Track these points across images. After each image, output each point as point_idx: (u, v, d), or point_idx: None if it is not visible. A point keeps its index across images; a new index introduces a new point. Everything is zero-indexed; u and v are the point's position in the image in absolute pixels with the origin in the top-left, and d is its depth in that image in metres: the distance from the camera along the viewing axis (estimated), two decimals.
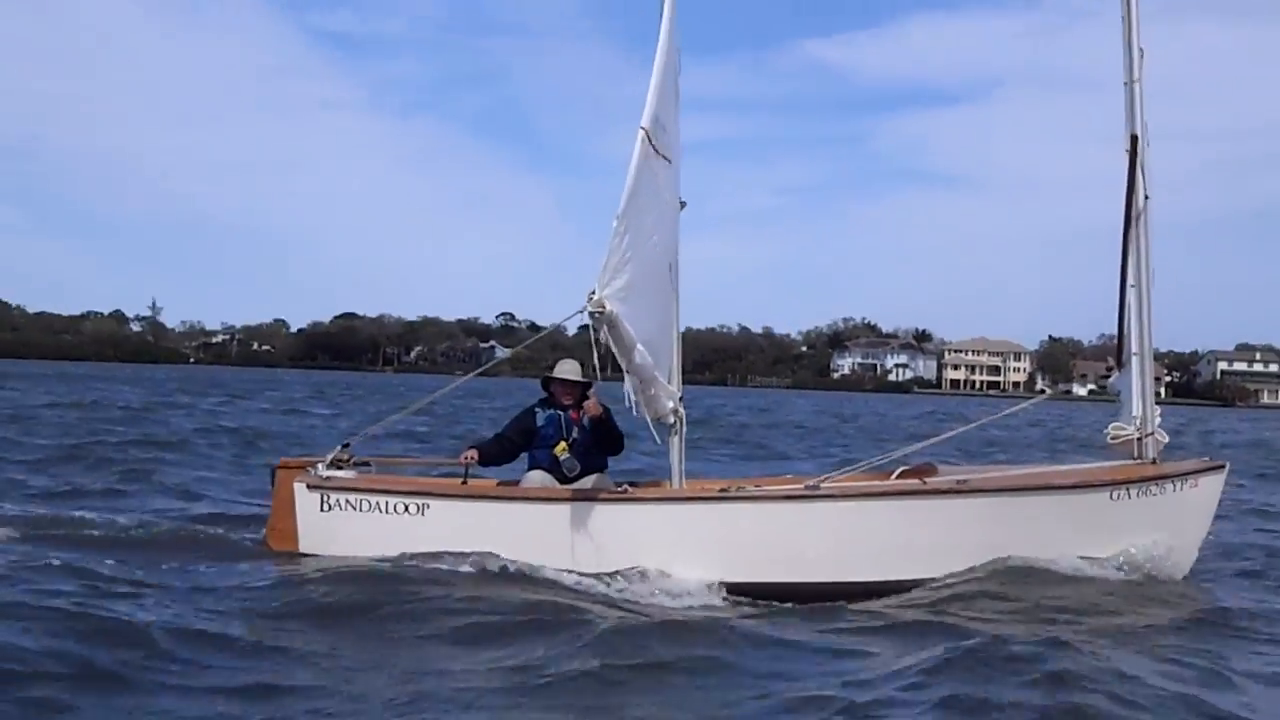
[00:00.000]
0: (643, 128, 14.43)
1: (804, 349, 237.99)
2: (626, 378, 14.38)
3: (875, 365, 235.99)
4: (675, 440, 15.43)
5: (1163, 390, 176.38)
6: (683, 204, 15.73)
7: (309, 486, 14.57)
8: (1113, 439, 15.95)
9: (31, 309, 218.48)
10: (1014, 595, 13.90)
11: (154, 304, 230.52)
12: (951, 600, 13.81)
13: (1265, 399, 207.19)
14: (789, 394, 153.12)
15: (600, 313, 13.33)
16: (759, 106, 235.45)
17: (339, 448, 15.14)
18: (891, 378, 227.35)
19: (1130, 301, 15.78)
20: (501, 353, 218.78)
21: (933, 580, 14.33)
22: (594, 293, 13.45)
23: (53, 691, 8.97)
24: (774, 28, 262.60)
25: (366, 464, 15.36)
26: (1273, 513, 24.18)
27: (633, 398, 14.60)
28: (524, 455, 15.36)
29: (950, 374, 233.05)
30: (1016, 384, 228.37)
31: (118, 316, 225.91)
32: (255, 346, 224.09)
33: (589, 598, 13.35)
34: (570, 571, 14.00)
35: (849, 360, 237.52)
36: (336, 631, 11.59)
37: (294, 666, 10.31)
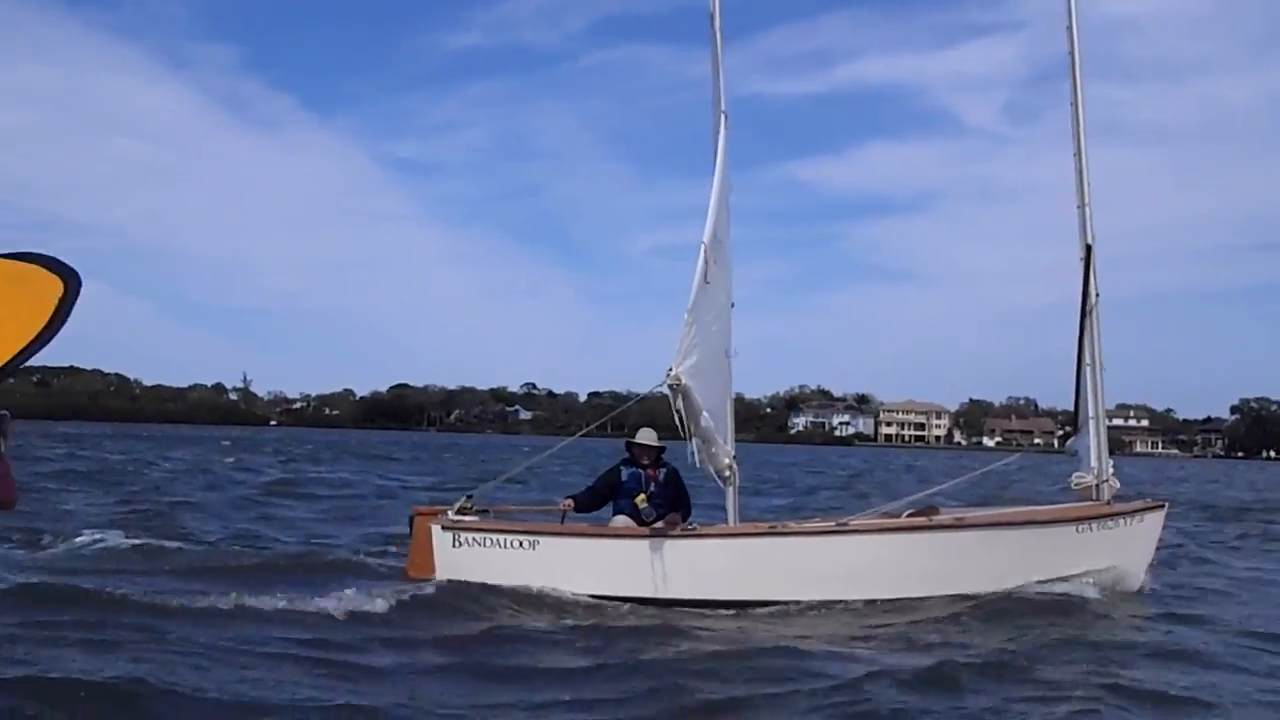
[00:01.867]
0: (703, 243, 14.88)
1: (768, 410, 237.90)
2: (693, 439, 14.75)
3: (824, 423, 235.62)
4: (730, 489, 15.78)
5: (1056, 442, 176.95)
6: (732, 304, 16.10)
7: (443, 528, 14.71)
8: (1076, 485, 16.25)
9: (148, 381, 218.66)
10: (1002, 607, 14.21)
11: (245, 377, 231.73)
12: (953, 610, 14.11)
13: (1137, 449, 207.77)
14: (754, 447, 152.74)
15: (676, 385, 13.81)
16: (747, 215, 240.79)
17: (464, 498, 15.28)
18: (837, 433, 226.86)
19: (1086, 377, 16.17)
20: (525, 415, 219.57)
21: (938, 597, 14.54)
22: (671, 369, 13.91)
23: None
24: (758, 154, 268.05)
25: (485, 511, 15.55)
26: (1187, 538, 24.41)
27: (697, 455, 15.01)
28: (609, 505, 15.57)
29: (884, 430, 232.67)
30: (938, 437, 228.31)
31: (218, 388, 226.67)
32: (326, 411, 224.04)
33: (660, 616, 13.67)
34: (648, 595, 14.23)
35: (803, 419, 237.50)
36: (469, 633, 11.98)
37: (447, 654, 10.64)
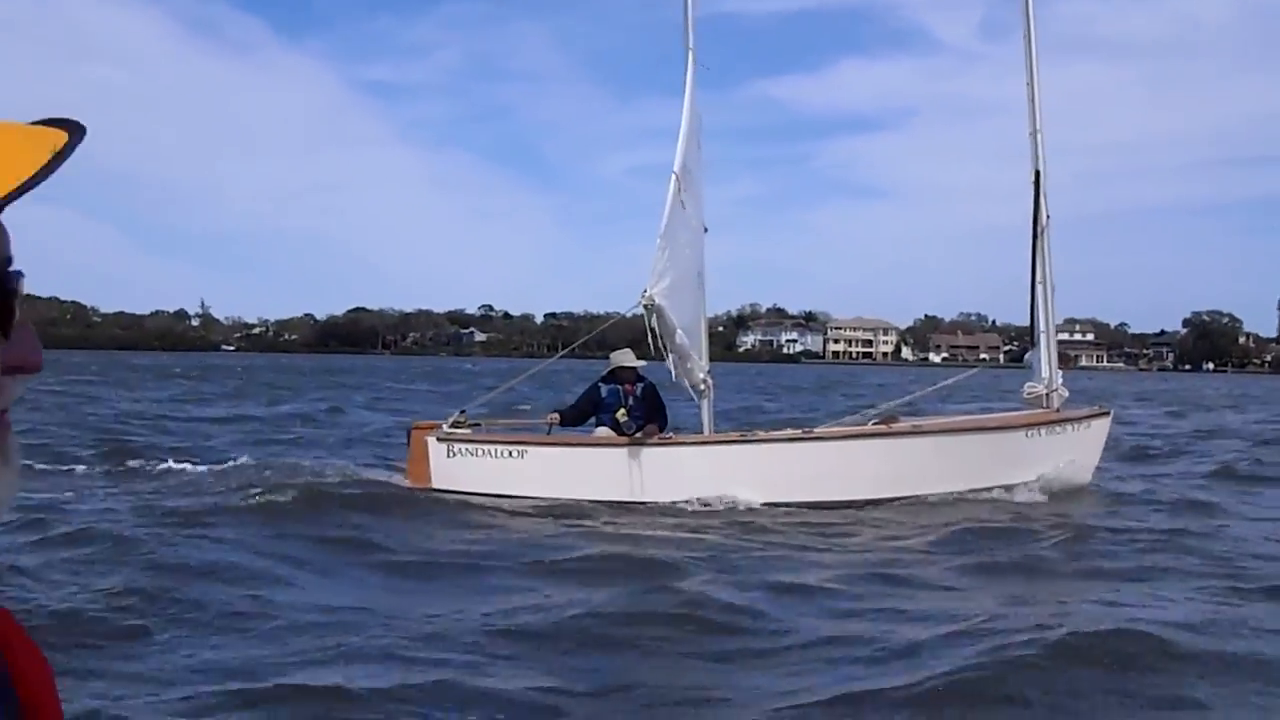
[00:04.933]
0: (674, 172, 15.81)
1: (719, 329, 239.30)
2: (669, 355, 15.74)
3: (772, 340, 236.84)
4: (705, 402, 16.73)
5: (1002, 358, 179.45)
6: (705, 229, 16.96)
7: (438, 439, 15.76)
8: (1028, 394, 17.28)
9: (108, 308, 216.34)
10: (956, 507, 15.28)
11: (203, 303, 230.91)
12: (915, 509, 15.15)
13: (1083, 362, 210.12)
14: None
15: (650, 305, 14.86)
16: (721, 134, 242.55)
17: (457, 413, 16.28)
18: (785, 351, 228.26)
19: (1038, 295, 17.15)
20: (479, 337, 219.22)
21: (899, 498, 15.52)
22: (646, 290, 14.93)
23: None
24: (733, 72, 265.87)
25: (477, 424, 16.48)
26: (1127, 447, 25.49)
27: (674, 370, 15.99)
28: (592, 420, 16.45)
29: (832, 346, 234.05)
30: (885, 354, 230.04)
31: (180, 314, 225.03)
32: (285, 337, 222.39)
33: (639, 514, 14.72)
34: (629, 499, 15.26)
35: (752, 337, 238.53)
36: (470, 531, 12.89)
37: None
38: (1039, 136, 16.94)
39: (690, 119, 16.36)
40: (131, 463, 18.42)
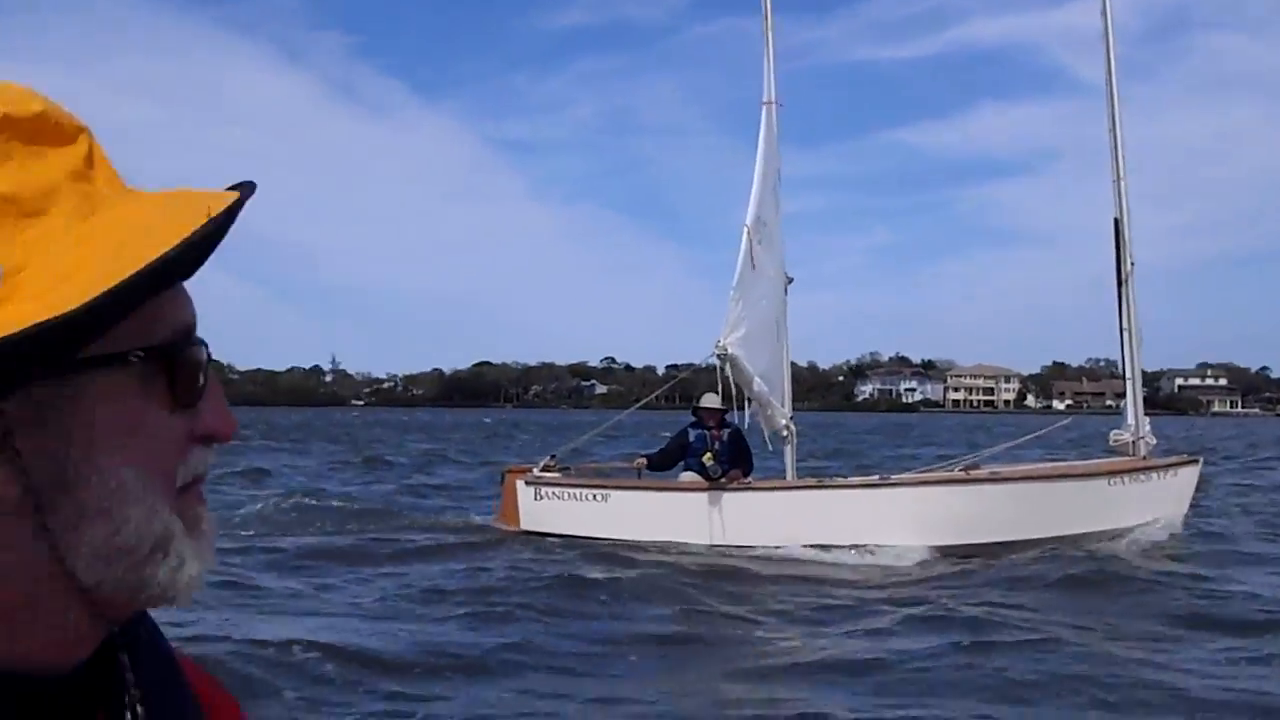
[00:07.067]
0: (746, 226, 16.18)
1: (839, 379, 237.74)
2: (750, 403, 16.08)
3: (891, 390, 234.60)
4: (788, 448, 16.93)
5: None
6: (790, 279, 17.19)
7: (527, 483, 16.35)
8: (1114, 442, 17.12)
9: (245, 365, 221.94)
10: (1033, 554, 15.11)
11: (334, 359, 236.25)
12: (990, 557, 15.02)
13: (1215, 408, 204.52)
14: (817, 414, 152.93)
15: (724, 355, 15.33)
16: (853, 182, 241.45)
17: (548, 458, 16.85)
18: (904, 400, 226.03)
19: (1124, 343, 17.02)
20: (600, 389, 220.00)
21: (976, 544, 15.38)
22: (719, 341, 15.41)
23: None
24: (866, 120, 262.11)
25: (567, 468, 16.99)
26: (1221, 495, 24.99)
27: (756, 418, 16.30)
28: (681, 464, 16.71)
29: (952, 395, 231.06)
30: (1007, 402, 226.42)
31: (315, 370, 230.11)
32: (413, 391, 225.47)
33: (716, 557, 15.13)
34: (708, 541, 15.66)
35: (870, 387, 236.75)
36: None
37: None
38: (1122, 184, 16.85)
39: (765, 172, 16.69)
40: None
